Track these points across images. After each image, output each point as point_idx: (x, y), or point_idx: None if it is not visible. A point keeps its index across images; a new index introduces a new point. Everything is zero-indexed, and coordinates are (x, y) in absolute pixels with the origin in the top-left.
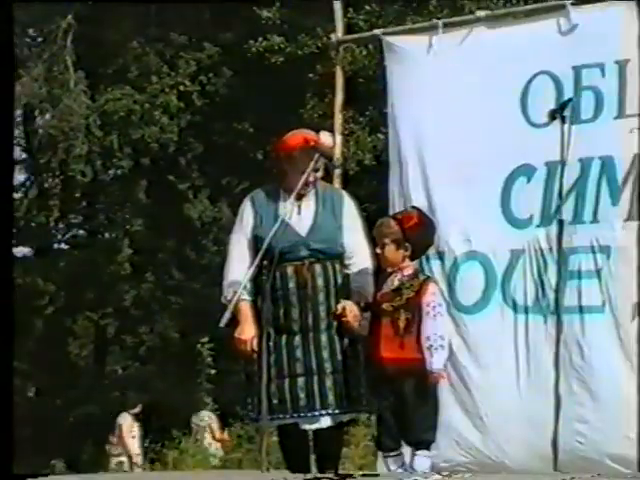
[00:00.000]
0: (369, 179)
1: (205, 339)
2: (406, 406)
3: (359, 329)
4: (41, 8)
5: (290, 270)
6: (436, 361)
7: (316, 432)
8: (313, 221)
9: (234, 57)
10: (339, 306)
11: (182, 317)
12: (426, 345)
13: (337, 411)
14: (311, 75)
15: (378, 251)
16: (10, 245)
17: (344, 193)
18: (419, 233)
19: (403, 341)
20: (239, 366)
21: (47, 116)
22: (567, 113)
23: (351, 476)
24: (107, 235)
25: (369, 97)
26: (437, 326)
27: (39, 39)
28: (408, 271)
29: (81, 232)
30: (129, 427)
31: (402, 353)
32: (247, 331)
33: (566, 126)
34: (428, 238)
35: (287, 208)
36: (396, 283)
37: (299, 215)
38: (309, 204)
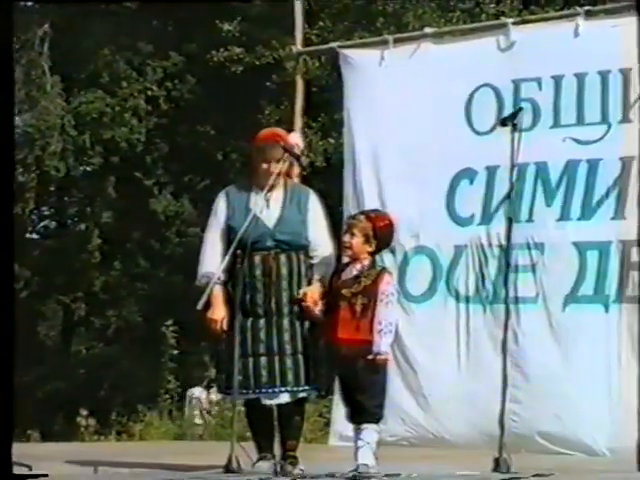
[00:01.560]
0: (320, 179)
1: (169, 322)
2: (358, 384)
3: (317, 314)
4: (20, 17)
5: (257, 259)
6: (384, 344)
7: (279, 407)
8: (280, 214)
9: (197, 66)
10: (301, 291)
11: (147, 302)
12: (377, 329)
13: (295, 388)
14: (268, 84)
15: (346, 239)
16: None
17: (310, 191)
18: (386, 234)
19: (359, 324)
20: (199, 347)
21: (25, 116)
22: (518, 121)
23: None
24: (79, 226)
25: (321, 105)
26: (388, 313)
27: (17, 45)
28: (365, 262)
29: (54, 223)
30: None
31: (357, 335)
32: (217, 312)
33: (516, 134)
34: (391, 240)
35: (257, 201)
36: (355, 272)
37: (268, 209)
38: (277, 199)
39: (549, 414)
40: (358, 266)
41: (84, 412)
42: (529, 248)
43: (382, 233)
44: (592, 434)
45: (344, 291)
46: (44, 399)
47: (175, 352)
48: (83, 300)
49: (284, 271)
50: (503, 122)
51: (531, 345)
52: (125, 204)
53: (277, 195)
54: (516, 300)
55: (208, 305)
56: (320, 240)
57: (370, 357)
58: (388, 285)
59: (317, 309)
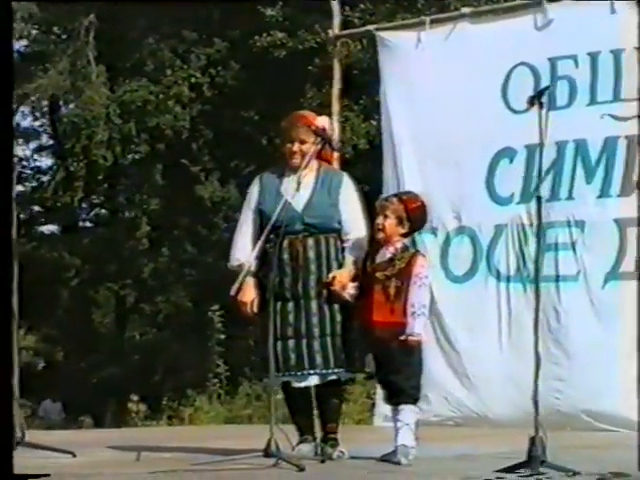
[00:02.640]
0: (363, 162)
1: (215, 307)
2: (393, 365)
3: (346, 297)
4: (65, 8)
5: (286, 243)
6: (417, 326)
7: (316, 389)
8: (309, 198)
9: (241, 52)
10: (330, 275)
11: (195, 288)
12: (410, 311)
13: (324, 371)
14: (310, 68)
15: (379, 221)
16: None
17: (344, 174)
18: (419, 216)
19: (393, 307)
20: (246, 332)
21: (71, 106)
22: (545, 99)
23: None
24: (127, 214)
25: (363, 87)
26: (421, 295)
27: (63, 36)
28: (399, 245)
29: (103, 211)
30: None
31: (392, 317)
32: (247, 294)
33: (544, 111)
34: (424, 222)
35: (288, 185)
36: (388, 255)
37: (298, 192)
38: (308, 182)
39: (593, 391)
40: (392, 249)
41: (135, 398)
42: (569, 226)
43: (415, 215)
44: (636, 410)
45: (378, 274)
46: (98, 385)
47: (222, 337)
48: (132, 287)
49: (311, 254)
50: (531, 101)
51: (573, 323)
52: (172, 191)
53: (308, 179)
54: (557, 278)
55: (240, 288)
56: (352, 223)
57: (403, 337)
58: (421, 268)
59: (346, 292)
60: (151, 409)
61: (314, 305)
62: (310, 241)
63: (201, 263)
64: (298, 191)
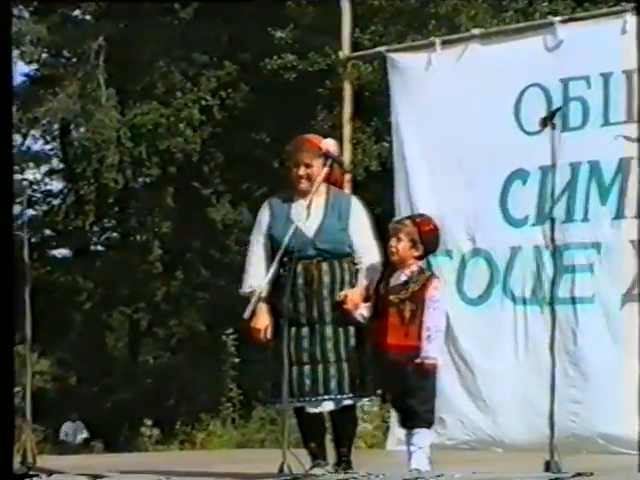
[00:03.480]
0: (375, 184)
1: (229, 331)
2: (408, 389)
3: (358, 317)
4: (74, 31)
5: (300, 267)
6: (432, 349)
7: (331, 414)
8: (320, 223)
9: (251, 74)
10: (342, 293)
11: (208, 311)
12: (425, 334)
13: (338, 396)
14: (321, 90)
15: (392, 244)
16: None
17: (352, 197)
18: (432, 239)
19: (408, 330)
20: (260, 355)
21: (81, 129)
22: (557, 120)
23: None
24: (139, 237)
25: (375, 109)
26: (436, 318)
27: (73, 59)
28: (414, 268)
29: (115, 235)
30: None
31: (406, 341)
32: (261, 321)
33: (556, 133)
34: (437, 244)
35: (298, 210)
36: (403, 278)
37: (308, 218)
38: (318, 207)
39: (609, 414)
40: (407, 272)
41: (148, 422)
42: (585, 248)
43: (428, 237)
44: None
45: (392, 297)
46: (111, 409)
47: (236, 360)
48: (146, 310)
49: (326, 279)
50: (543, 122)
51: (589, 345)
52: (184, 214)
53: (318, 203)
54: (573, 300)
55: (253, 314)
56: (364, 247)
57: (418, 361)
58: (435, 291)
59: (358, 313)
60: (164, 433)
61: (329, 330)
62: (324, 266)
63: (214, 286)
64: (308, 217)
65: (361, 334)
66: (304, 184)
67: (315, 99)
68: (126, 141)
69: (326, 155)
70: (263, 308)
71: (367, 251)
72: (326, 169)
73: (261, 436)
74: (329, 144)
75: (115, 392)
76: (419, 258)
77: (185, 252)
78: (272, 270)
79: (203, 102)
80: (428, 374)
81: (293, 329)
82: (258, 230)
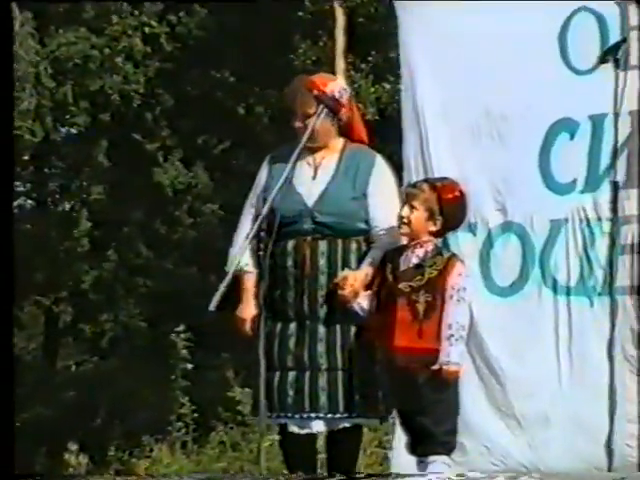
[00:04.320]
0: (370, 136)
1: (180, 328)
2: (421, 404)
3: (356, 309)
4: None
5: (290, 245)
6: (454, 353)
7: (329, 434)
8: (325, 188)
9: None
10: (340, 275)
11: (151, 302)
12: (446, 334)
13: (329, 415)
14: (301, 14)
15: (404, 213)
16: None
17: (377, 156)
18: (456, 210)
19: (422, 328)
20: (219, 360)
21: None
22: (620, 55)
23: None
24: (61, 206)
25: (371, 40)
26: (460, 313)
27: None
28: (429, 246)
29: (29, 202)
30: None
31: (420, 342)
32: (247, 310)
33: (620, 71)
34: (462, 219)
35: (301, 169)
36: (415, 260)
37: (313, 180)
38: (327, 167)
39: None
40: (420, 252)
41: (73, 447)
42: None
43: (450, 208)
44: None
45: (402, 285)
46: (22, 429)
47: (189, 367)
48: (69, 301)
49: (322, 262)
50: (603, 57)
51: None
52: (121, 175)
53: (328, 162)
54: (633, 290)
55: (237, 301)
56: (385, 223)
57: (436, 367)
58: (459, 278)
59: (356, 303)
60: (94, 462)
61: (321, 328)
62: (322, 245)
63: (159, 270)
64: (314, 179)
65: (363, 333)
66: (304, 137)
67: (293, 26)
68: (46, 79)
69: (324, 100)
70: (250, 293)
71: (388, 230)
72: (321, 117)
73: (221, 465)
74: (335, 85)
75: (27, 407)
76: (437, 235)
77: (121, 225)
78: (246, 244)
79: (147, 29)
80: (448, 385)
81: (278, 324)
82: (253, 193)
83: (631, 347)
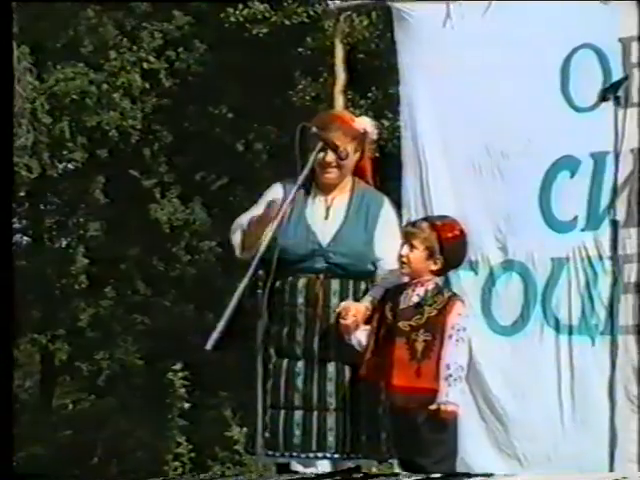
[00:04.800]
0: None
1: (177, 366)
2: (419, 444)
3: (353, 343)
4: None
5: (301, 283)
6: (452, 394)
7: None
8: (339, 228)
9: (208, 28)
10: (342, 304)
11: (149, 340)
12: (445, 374)
13: (336, 455)
14: (301, 50)
15: (404, 252)
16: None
17: (385, 199)
18: (456, 249)
19: (420, 367)
20: (217, 399)
21: None
22: (621, 93)
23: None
24: (57, 242)
25: (371, 76)
26: (459, 354)
27: None
28: (430, 285)
29: (26, 238)
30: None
31: (418, 382)
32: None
33: (620, 109)
34: (462, 258)
35: (315, 208)
36: (415, 298)
37: (326, 220)
38: (340, 207)
39: None
40: (420, 290)
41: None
42: None
43: (450, 247)
44: None
45: (401, 324)
46: (19, 469)
47: (186, 406)
48: (65, 339)
49: (335, 301)
50: (603, 95)
51: None
52: (118, 212)
53: (340, 202)
54: (638, 329)
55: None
56: (391, 266)
57: (433, 407)
58: (459, 317)
59: (354, 337)
60: None
61: (331, 368)
62: (334, 284)
63: (157, 307)
64: (327, 218)
65: (364, 373)
66: (332, 174)
67: (293, 62)
68: (43, 115)
69: (361, 138)
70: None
71: (394, 271)
72: (356, 157)
73: None
74: (365, 123)
75: (22, 447)
76: (438, 273)
77: (118, 262)
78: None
79: (145, 65)
80: (446, 425)
81: (285, 361)
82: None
83: (634, 387)
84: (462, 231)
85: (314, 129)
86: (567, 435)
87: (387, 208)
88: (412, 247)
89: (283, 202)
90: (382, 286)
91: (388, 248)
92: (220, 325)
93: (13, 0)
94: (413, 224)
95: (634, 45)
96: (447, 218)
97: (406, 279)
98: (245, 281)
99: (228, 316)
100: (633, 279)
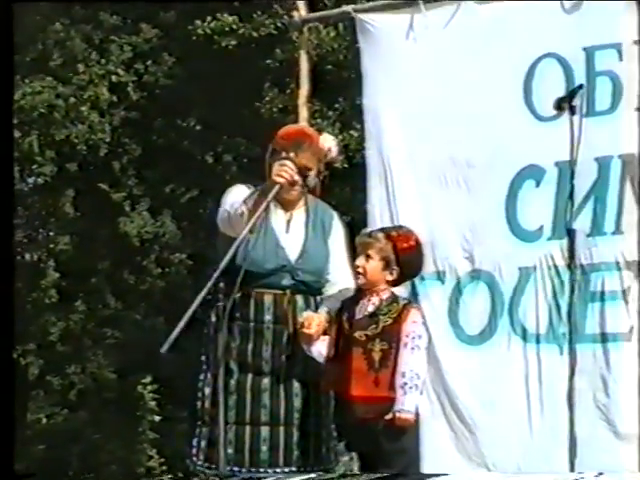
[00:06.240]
0: (340, 185)
1: (147, 379)
2: (380, 454)
3: (314, 354)
4: None
5: (268, 299)
6: (408, 402)
7: None
8: (303, 245)
9: (176, 41)
10: (304, 314)
11: (120, 353)
12: (400, 382)
13: (302, 469)
14: (269, 62)
15: (359, 262)
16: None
17: (334, 215)
18: (413, 259)
19: (378, 377)
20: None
21: None
22: (577, 102)
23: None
24: (27, 256)
25: (339, 87)
26: (415, 362)
27: None
28: (385, 294)
29: None
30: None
31: (376, 391)
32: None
33: (576, 118)
34: (419, 267)
35: (277, 222)
36: (371, 308)
37: (287, 233)
38: (298, 222)
39: None
40: (375, 300)
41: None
42: (619, 269)
43: (406, 257)
44: None
45: (357, 334)
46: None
47: (157, 418)
48: (36, 354)
49: (301, 318)
50: (558, 104)
51: (627, 396)
52: (87, 225)
53: (298, 216)
54: (604, 337)
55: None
56: (340, 276)
57: (388, 417)
58: (414, 325)
59: (314, 348)
60: None
61: (297, 384)
62: (300, 301)
63: (127, 321)
64: (287, 232)
65: (324, 383)
66: (295, 192)
67: (261, 74)
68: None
69: (325, 156)
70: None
71: (341, 280)
72: (321, 177)
73: None
74: (330, 142)
75: None
76: (394, 284)
77: (88, 276)
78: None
79: (114, 78)
80: (404, 433)
81: (249, 377)
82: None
83: (602, 395)
84: (418, 241)
85: (284, 154)
86: (536, 445)
87: (337, 222)
88: (368, 257)
89: (262, 193)
90: (336, 297)
91: (337, 260)
92: (176, 330)
93: (14, 1)
94: (369, 234)
95: (597, 54)
96: (402, 228)
97: (363, 288)
98: (205, 290)
99: (185, 322)
100: (600, 288)
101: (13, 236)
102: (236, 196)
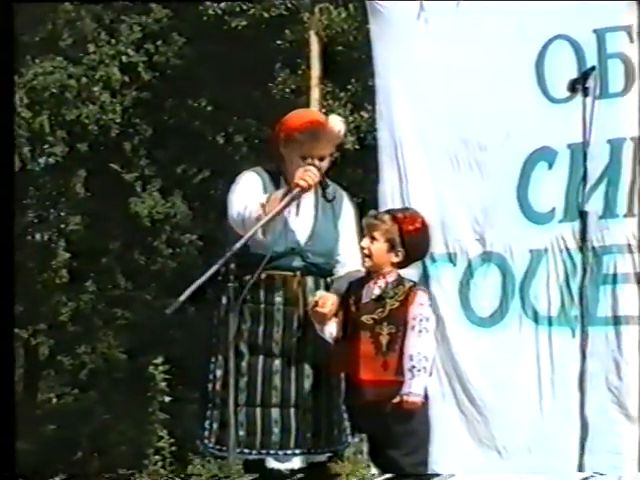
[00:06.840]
0: (351, 166)
1: (158, 360)
2: (389, 436)
3: (326, 335)
4: None
5: (279, 281)
6: (416, 385)
7: (292, 472)
8: (312, 227)
9: (187, 21)
10: (317, 293)
11: (130, 334)
12: (408, 365)
13: (312, 450)
14: (280, 42)
15: (364, 244)
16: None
17: (344, 196)
18: (418, 241)
19: (386, 360)
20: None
21: None
22: (590, 84)
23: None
24: (38, 236)
25: (349, 68)
26: (422, 344)
27: None
28: (391, 277)
29: None
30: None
31: (385, 375)
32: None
33: (589, 100)
34: (425, 250)
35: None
36: (377, 291)
37: (297, 216)
38: (308, 204)
39: None
40: (381, 283)
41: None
42: (631, 251)
43: (412, 239)
44: None
45: (364, 318)
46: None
47: (167, 399)
48: (47, 334)
49: (311, 299)
50: (572, 86)
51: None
52: (98, 206)
53: (307, 199)
54: (616, 320)
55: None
56: (350, 257)
57: (396, 400)
58: (421, 307)
59: (327, 329)
60: None
61: (307, 366)
62: (310, 282)
63: (138, 301)
64: (297, 215)
65: (334, 366)
66: (311, 177)
67: (272, 55)
68: (22, 109)
69: (337, 139)
70: None
71: (350, 261)
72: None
73: None
74: (338, 123)
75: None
76: (399, 266)
77: (99, 256)
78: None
79: (124, 58)
80: (413, 416)
81: (261, 359)
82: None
83: (614, 378)
84: (424, 223)
85: (303, 149)
86: (547, 426)
87: (347, 203)
88: (373, 239)
89: (284, 197)
90: (345, 279)
91: (350, 243)
92: (184, 295)
93: (14, 0)
94: (375, 216)
95: (608, 36)
96: (409, 210)
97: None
98: (216, 267)
99: (193, 289)
100: (611, 270)
101: (13, 221)
102: (250, 197)
